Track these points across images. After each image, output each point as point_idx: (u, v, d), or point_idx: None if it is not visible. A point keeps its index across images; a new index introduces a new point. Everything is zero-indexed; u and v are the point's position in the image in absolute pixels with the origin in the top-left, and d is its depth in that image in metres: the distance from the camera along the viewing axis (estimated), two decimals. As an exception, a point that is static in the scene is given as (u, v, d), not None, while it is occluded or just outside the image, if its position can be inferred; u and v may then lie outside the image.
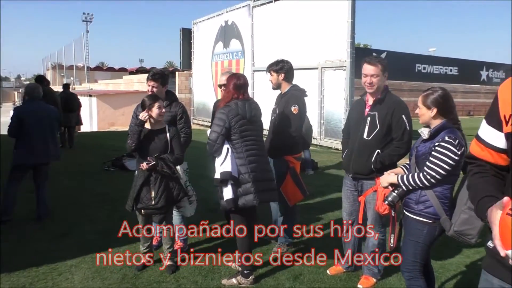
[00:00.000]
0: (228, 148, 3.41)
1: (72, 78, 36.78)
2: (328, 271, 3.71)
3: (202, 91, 19.22)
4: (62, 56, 41.99)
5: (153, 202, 3.50)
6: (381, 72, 3.18)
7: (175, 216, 4.17)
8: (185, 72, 20.26)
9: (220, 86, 4.36)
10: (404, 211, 2.80)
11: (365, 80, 3.23)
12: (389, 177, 2.85)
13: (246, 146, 3.40)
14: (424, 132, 2.72)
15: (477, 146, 1.60)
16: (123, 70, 43.52)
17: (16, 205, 4.98)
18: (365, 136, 3.26)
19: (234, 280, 3.48)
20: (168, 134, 3.66)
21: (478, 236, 2.51)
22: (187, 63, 20.27)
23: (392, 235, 2.92)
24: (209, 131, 3.51)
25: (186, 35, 19.96)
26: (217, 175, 3.38)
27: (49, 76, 35.18)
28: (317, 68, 12.27)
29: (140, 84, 22.51)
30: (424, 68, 30.80)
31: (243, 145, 3.40)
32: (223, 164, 3.37)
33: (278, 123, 4.08)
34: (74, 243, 4.32)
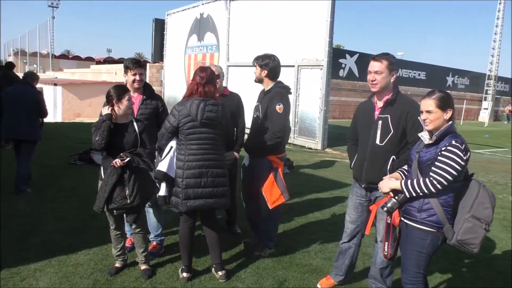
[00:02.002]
0: (171, 147, 3.32)
1: (35, 66, 35.15)
2: (318, 285, 3.45)
3: (173, 84, 18.73)
4: (25, 42, 40.08)
5: (128, 201, 3.22)
6: (386, 69, 2.95)
7: (151, 213, 3.91)
8: (156, 64, 19.70)
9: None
10: (404, 219, 2.64)
11: (368, 77, 3.04)
12: (390, 182, 2.66)
13: (189, 150, 3.25)
14: (425, 137, 2.58)
15: None
16: (89, 59, 42.13)
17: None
18: (377, 141, 3.01)
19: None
20: (136, 127, 3.39)
21: (480, 246, 2.41)
22: (158, 55, 19.71)
23: (386, 243, 2.78)
24: None
25: (159, 26, 19.40)
26: (156, 170, 3.32)
27: (10, 62, 33.38)
28: (293, 66, 12.15)
29: (109, 74, 21.75)
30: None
31: (186, 148, 3.26)
32: (161, 162, 3.30)
33: (262, 121, 3.86)
34: (39, 244, 3.96)
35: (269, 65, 3.90)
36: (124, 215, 3.41)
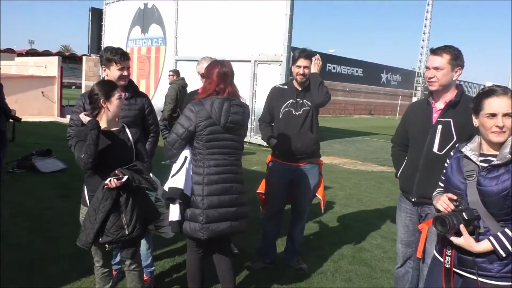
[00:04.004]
0: (186, 157, 2.63)
1: None
2: None
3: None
4: None
5: (126, 232, 2.49)
6: (448, 65, 2.49)
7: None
8: (93, 57, 18.10)
9: (202, 75, 3.46)
10: (463, 272, 1.99)
11: (426, 73, 2.60)
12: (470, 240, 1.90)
13: (211, 160, 2.61)
14: (473, 152, 1.98)
15: None
16: (10, 51, 38.34)
17: None
18: (435, 149, 2.55)
19: None
20: (130, 135, 2.67)
21: None
22: (96, 48, 18.10)
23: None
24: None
25: (96, 15, 17.82)
26: (166, 187, 2.62)
27: None
28: (249, 61, 11.61)
29: (38, 68, 19.66)
30: (334, 68, 32.18)
31: (206, 158, 2.61)
32: (175, 176, 2.60)
33: (315, 118, 3.54)
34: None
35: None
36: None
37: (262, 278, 3.45)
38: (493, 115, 1.91)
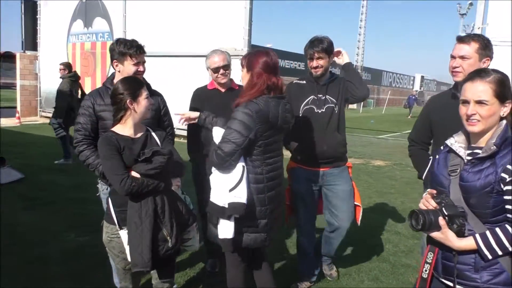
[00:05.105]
0: (243, 167, 2.33)
1: None
2: None
3: (52, 77, 15.95)
4: None
5: (170, 244, 2.18)
6: (476, 54, 2.36)
7: None
8: (28, 54, 16.63)
9: (219, 68, 3.20)
10: (447, 281, 1.77)
11: (451, 63, 2.45)
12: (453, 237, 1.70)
13: (267, 166, 2.38)
14: (460, 145, 1.82)
15: None
16: None
17: None
18: None
19: None
20: (157, 140, 2.37)
21: None
22: (30, 44, 16.64)
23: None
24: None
25: (30, 8, 16.34)
26: (220, 202, 2.30)
27: None
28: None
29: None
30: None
31: (264, 164, 2.36)
32: (235, 190, 2.28)
33: (342, 117, 3.19)
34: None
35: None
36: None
37: (288, 279, 3.31)
38: (466, 101, 1.75)
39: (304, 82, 3.29)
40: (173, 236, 2.19)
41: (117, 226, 2.22)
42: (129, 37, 13.14)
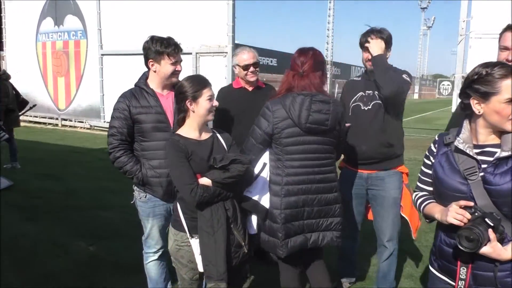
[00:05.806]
0: (265, 164, 2.32)
1: None
2: None
3: (21, 78, 15.25)
4: None
5: (245, 250, 2.07)
6: None
7: (154, 265, 2.75)
8: (-7, 54, 15.80)
9: (249, 66, 3.07)
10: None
11: (501, 56, 2.25)
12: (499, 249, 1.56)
13: (290, 168, 2.30)
14: (467, 144, 1.65)
15: None
16: None
17: None
18: None
19: None
20: (224, 143, 2.25)
21: None
22: (-5, 43, 15.81)
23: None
24: None
25: (-7, 6, 15.50)
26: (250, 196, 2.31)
27: None
28: (191, 54, 11.00)
29: None
30: (248, 59, 32.18)
31: (285, 165, 2.29)
32: (252, 186, 2.31)
33: (393, 114, 2.90)
34: None
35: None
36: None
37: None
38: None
39: (359, 78, 3.12)
40: (246, 240, 2.10)
41: (188, 234, 2.09)
42: (105, 35, 12.71)
